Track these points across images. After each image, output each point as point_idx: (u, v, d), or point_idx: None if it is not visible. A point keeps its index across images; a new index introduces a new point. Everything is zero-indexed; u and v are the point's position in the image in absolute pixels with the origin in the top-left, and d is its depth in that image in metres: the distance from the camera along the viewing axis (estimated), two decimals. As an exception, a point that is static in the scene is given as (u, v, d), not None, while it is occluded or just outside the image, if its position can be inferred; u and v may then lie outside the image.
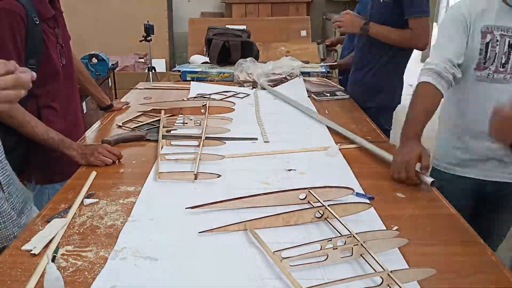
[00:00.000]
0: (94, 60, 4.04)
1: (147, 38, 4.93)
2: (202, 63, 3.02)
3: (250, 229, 1.03)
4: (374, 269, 0.89)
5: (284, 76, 2.57)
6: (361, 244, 0.93)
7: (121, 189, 1.26)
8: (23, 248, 0.98)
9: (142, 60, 5.79)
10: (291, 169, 1.40)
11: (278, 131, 1.77)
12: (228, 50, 2.88)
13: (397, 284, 0.82)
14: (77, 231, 1.05)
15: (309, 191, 1.18)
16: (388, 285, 0.84)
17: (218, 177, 1.30)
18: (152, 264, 0.93)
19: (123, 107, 2.07)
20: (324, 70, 2.81)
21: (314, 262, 0.92)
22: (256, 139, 1.68)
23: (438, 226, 1.10)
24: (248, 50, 2.88)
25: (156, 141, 1.63)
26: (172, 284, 0.88)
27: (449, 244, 1.02)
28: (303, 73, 2.69)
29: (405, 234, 1.04)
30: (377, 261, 0.89)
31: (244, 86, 2.50)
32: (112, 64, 4.28)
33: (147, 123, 1.85)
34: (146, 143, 1.64)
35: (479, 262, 0.95)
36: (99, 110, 2.08)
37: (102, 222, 1.10)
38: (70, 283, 0.87)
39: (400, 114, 1.97)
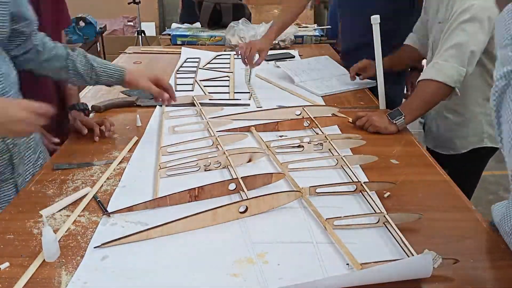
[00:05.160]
0: (82, 24, 3.94)
1: (136, 0, 4.80)
2: (192, 28, 2.96)
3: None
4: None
5: (277, 42, 2.52)
6: (328, 141, 1.27)
7: (114, 155, 1.25)
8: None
9: (131, 23, 5.65)
10: (282, 136, 1.39)
11: (271, 96, 1.75)
12: (219, 13, 2.81)
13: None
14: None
15: (303, 108, 1.50)
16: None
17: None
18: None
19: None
20: (318, 33, 2.77)
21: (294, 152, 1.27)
22: (248, 105, 1.67)
23: (430, 192, 1.10)
24: (240, 12, 2.82)
25: (147, 106, 1.62)
26: (164, 252, 0.87)
27: (440, 210, 1.03)
28: (297, 37, 2.65)
29: (397, 199, 1.05)
30: (337, 151, 1.23)
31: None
32: (100, 28, 4.18)
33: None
34: (137, 108, 1.61)
35: (469, 228, 0.96)
36: None
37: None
38: (64, 247, 0.87)
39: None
